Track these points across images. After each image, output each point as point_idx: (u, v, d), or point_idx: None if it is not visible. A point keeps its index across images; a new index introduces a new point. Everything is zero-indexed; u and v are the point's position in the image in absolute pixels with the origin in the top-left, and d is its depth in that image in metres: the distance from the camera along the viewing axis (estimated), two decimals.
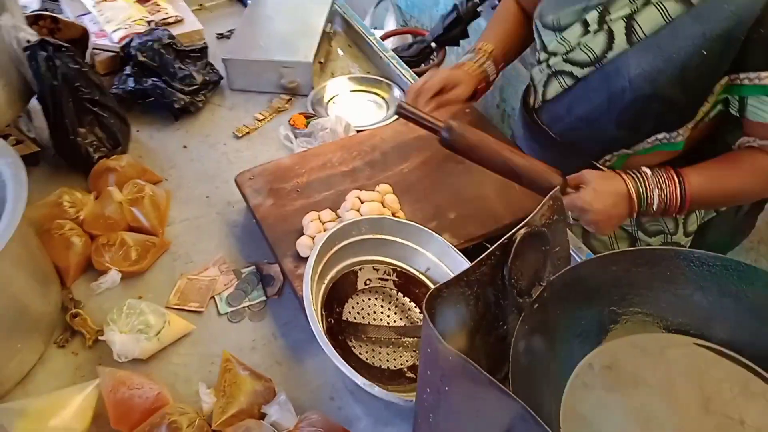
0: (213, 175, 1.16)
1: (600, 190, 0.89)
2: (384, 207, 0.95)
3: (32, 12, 1.27)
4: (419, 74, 1.41)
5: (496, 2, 2.02)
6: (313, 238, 0.91)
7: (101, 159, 1.09)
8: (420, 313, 0.89)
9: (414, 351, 0.85)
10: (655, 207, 0.91)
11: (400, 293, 0.91)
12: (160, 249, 1.00)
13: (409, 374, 0.82)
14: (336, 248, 0.85)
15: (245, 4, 1.63)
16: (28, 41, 1.02)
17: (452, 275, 0.62)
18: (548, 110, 1.09)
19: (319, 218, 0.94)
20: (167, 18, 1.45)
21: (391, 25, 2.75)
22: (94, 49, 1.33)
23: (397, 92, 1.35)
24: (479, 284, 0.61)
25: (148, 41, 1.25)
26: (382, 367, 0.82)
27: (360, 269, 0.89)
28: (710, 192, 0.93)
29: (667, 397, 0.66)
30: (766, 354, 0.67)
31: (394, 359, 0.84)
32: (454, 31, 2.11)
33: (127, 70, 1.27)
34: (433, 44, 2.15)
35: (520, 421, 0.47)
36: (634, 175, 0.92)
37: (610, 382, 0.68)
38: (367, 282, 0.90)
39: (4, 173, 0.82)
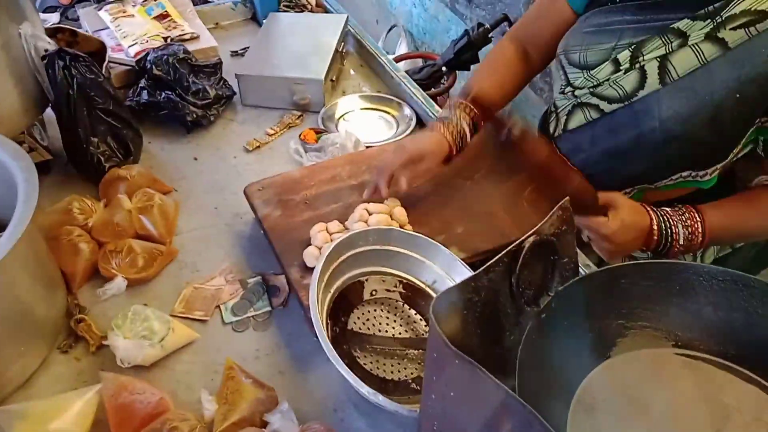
0: (222, 187, 1.17)
1: (627, 223, 0.88)
2: (392, 219, 0.95)
3: (52, 25, 1.29)
4: (431, 97, 1.42)
5: (507, 28, 2.05)
6: (320, 249, 0.91)
7: (112, 168, 1.10)
8: (426, 325, 0.88)
9: (419, 363, 0.84)
10: (681, 241, 0.91)
11: (406, 305, 0.90)
12: (168, 257, 1.00)
13: (414, 386, 0.81)
14: (343, 258, 0.85)
15: (260, 24, 1.66)
16: (46, 50, 1.04)
17: None
18: (569, 140, 1.06)
19: (327, 229, 0.94)
20: (183, 35, 1.48)
21: (402, 50, 2.79)
22: (110, 62, 1.35)
23: (407, 110, 1.35)
24: (487, 290, 0.61)
25: (164, 55, 1.27)
26: (387, 378, 0.81)
27: (366, 280, 0.88)
28: (728, 229, 0.93)
29: (677, 424, 0.65)
30: None
31: (399, 371, 0.83)
32: (465, 56, 2.13)
33: (142, 83, 1.29)
34: (443, 68, 2.17)
35: (527, 427, 0.47)
36: (658, 211, 0.92)
37: (617, 407, 0.66)
38: (374, 293, 0.89)
39: (16, 176, 0.83)
